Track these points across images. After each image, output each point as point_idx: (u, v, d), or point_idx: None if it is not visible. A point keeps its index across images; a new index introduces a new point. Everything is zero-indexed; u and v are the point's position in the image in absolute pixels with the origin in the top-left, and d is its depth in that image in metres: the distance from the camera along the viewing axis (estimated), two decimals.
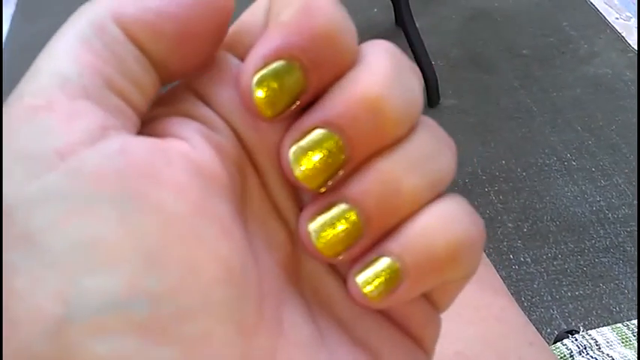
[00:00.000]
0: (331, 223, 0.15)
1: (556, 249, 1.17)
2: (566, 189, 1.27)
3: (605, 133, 1.37)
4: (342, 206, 0.15)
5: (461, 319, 0.35)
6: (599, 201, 1.24)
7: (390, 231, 0.15)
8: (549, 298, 1.10)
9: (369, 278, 0.15)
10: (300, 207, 0.16)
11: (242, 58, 0.16)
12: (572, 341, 0.49)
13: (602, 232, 1.19)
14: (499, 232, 1.19)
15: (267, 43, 0.14)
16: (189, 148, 0.14)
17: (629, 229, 1.19)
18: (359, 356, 0.16)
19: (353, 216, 0.15)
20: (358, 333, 0.16)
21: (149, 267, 0.12)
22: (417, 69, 0.16)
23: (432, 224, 0.15)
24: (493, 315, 0.36)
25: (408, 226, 0.15)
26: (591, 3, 1.73)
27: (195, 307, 0.13)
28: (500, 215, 1.22)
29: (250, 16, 0.16)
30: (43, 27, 1.64)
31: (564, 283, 1.12)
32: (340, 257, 0.16)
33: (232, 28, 0.16)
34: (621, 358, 0.45)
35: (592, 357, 0.46)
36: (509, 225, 1.21)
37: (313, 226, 0.15)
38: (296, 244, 0.16)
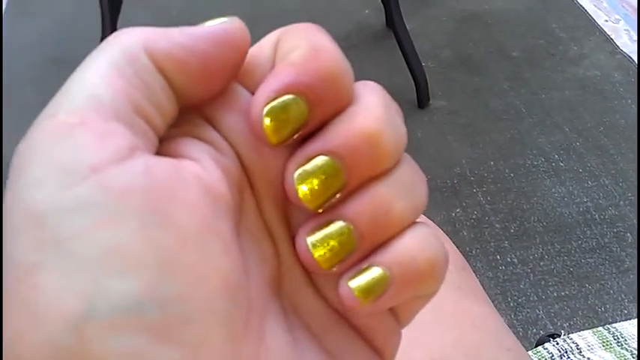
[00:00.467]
0: (328, 238, 0.17)
1: (543, 249, 1.18)
2: (553, 190, 1.28)
3: (593, 134, 1.39)
4: (339, 224, 0.17)
5: (438, 327, 0.36)
6: (586, 202, 1.26)
7: (379, 247, 0.17)
8: (535, 298, 1.11)
9: (361, 284, 0.17)
10: (288, 227, 0.18)
11: (248, 88, 0.18)
12: (554, 345, 0.50)
13: (588, 232, 1.21)
14: (486, 233, 1.21)
15: (278, 79, 0.16)
16: (201, 170, 0.16)
17: (615, 230, 1.20)
18: None
19: (348, 232, 0.17)
20: (328, 344, 0.18)
21: (163, 275, 0.14)
22: (399, 109, 0.18)
23: (416, 243, 0.17)
24: (470, 321, 0.37)
25: (395, 243, 0.17)
26: (580, 5, 1.74)
27: (198, 313, 0.14)
28: (488, 216, 1.24)
29: (258, 51, 0.18)
30: (32, 25, 1.63)
31: (550, 283, 1.13)
32: (334, 269, 0.17)
33: None
34: None
35: None
36: (497, 226, 1.22)
37: (312, 239, 0.17)
38: (281, 261, 0.18)
